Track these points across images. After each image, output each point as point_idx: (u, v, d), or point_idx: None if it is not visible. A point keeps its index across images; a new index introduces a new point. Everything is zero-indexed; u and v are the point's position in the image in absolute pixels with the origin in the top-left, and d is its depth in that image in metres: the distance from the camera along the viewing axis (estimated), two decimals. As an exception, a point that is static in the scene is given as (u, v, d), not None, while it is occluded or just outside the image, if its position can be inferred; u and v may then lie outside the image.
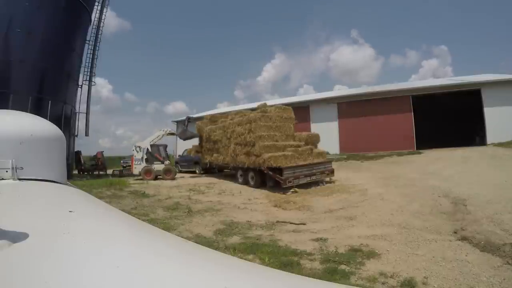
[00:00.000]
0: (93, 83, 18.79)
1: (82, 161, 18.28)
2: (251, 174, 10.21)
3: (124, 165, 27.55)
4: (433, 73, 67.79)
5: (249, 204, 7.31)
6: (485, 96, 17.70)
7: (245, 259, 2.96)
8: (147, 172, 13.58)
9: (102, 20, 18.75)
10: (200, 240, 4.35)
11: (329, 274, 3.07)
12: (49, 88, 14.92)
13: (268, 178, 9.38)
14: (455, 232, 4.19)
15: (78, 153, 18.18)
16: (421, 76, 66.68)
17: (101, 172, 17.97)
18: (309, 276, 0.97)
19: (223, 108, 40.65)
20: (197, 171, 15.83)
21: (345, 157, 17.64)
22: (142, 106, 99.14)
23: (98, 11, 18.49)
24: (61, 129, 1.54)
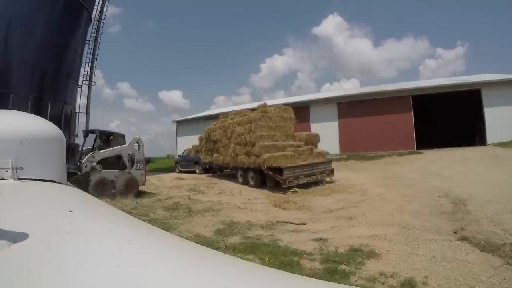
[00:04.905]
0: (93, 83, 18.77)
1: (82, 161, 18.25)
2: (251, 174, 10.21)
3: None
4: (447, 66, 67.34)
5: (249, 204, 7.31)
6: (485, 96, 17.68)
7: (245, 259, 2.96)
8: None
9: (102, 20, 18.75)
10: (200, 240, 4.35)
11: (329, 274, 3.07)
12: (49, 88, 14.88)
13: (268, 178, 9.38)
14: (455, 232, 4.19)
15: (78, 153, 18.16)
16: (432, 67, 66.28)
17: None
18: (309, 276, 0.97)
19: (223, 107, 40.66)
20: (197, 171, 15.83)
21: (345, 157, 17.64)
22: (140, 104, 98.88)
23: (98, 11, 18.50)
24: (61, 129, 1.54)
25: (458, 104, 20.91)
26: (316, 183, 9.32)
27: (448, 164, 11.57)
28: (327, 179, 9.98)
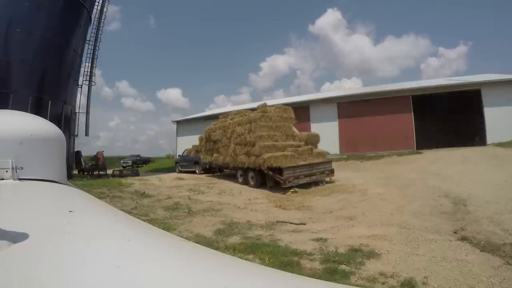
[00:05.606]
0: (93, 83, 18.78)
1: (83, 161, 18.27)
2: (251, 174, 10.20)
3: (124, 165, 27.61)
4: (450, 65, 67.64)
5: (249, 204, 7.31)
6: (485, 96, 17.69)
7: (245, 259, 2.96)
8: None
9: (102, 20, 18.76)
10: (200, 240, 4.35)
11: (329, 274, 3.07)
12: (49, 88, 14.89)
13: (268, 178, 9.37)
14: (455, 232, 4.19)
15: (78, 153, 18.17)
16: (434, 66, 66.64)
17: (101, 172, 17.94)
18: (309, 276, 0.97)
19: (223, 106, 40.65)
20: (197, 171, 15.83)
21: (345, 157, 17.64)
22: (140, 103, 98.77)
23: (98, 11, 18.50)
24: (61, 129, 1.54)
25: (458, 104, 20.89)
26: (316, 183, 9.32)
27: (448, 164, 11.57)
28: (327, 179, 9.97)
